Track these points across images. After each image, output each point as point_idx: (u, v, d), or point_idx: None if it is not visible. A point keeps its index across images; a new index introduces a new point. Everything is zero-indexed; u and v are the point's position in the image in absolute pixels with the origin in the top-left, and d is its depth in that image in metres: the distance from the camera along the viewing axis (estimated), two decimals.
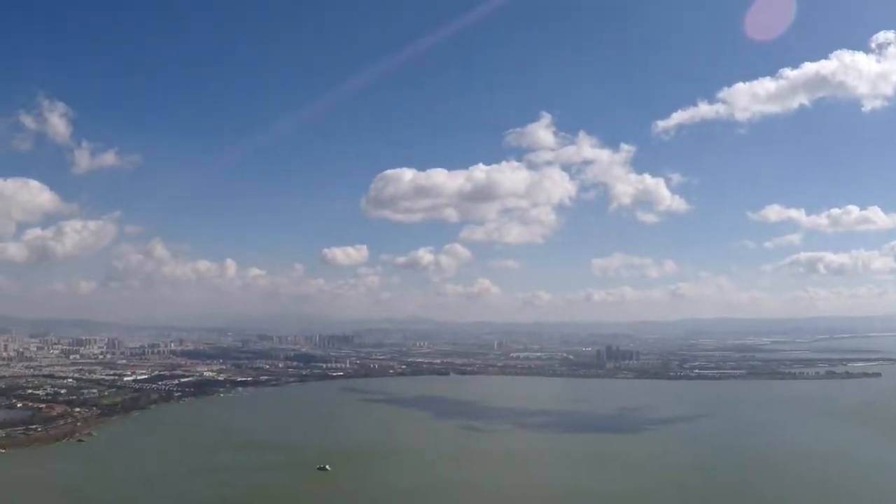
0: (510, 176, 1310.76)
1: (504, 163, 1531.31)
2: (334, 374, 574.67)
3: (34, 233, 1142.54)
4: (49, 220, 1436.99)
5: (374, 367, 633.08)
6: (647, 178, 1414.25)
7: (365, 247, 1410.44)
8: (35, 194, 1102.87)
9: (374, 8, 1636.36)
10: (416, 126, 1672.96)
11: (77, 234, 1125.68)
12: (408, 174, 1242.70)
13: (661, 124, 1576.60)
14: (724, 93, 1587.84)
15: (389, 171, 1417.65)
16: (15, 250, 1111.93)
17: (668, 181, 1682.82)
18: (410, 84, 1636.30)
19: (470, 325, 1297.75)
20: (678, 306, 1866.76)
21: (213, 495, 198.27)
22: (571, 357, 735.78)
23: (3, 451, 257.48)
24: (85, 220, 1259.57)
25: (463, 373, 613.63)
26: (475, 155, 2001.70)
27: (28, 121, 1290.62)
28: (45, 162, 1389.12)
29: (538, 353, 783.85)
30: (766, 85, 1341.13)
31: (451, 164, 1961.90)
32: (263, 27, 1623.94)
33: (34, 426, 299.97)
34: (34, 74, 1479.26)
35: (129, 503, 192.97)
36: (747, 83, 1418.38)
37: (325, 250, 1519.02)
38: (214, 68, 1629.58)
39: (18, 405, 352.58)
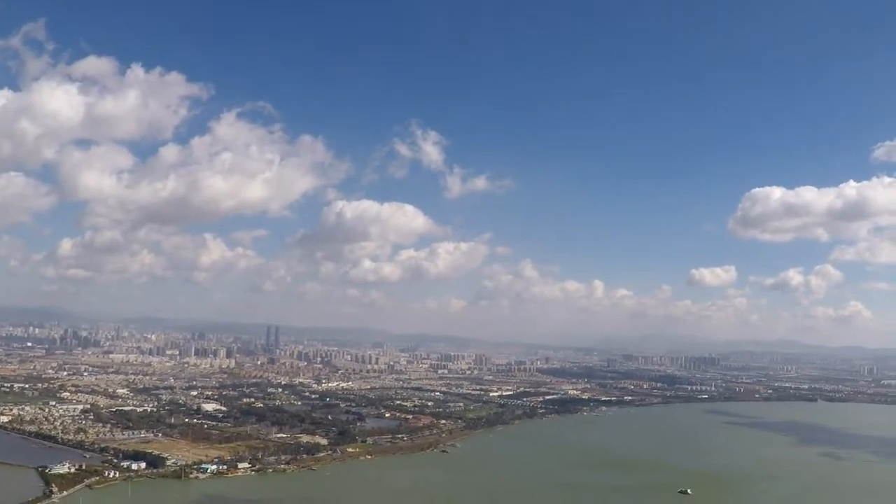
0: (882, 193, 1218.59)
1: (875, 179, 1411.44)
2: (699, 396, 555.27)
3: (408, 253, 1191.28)
4: (423, 241, 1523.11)
5: (740, 390, 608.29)
6: None
7: (733, 268, 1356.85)
8: (410, 218, 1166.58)
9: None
10: (784, 141, 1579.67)
11: (449, 255, 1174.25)
12: (776, 192, 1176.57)
13: None
14: None
15: (757, 190, 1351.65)
16: (390, 270, 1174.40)
17: None
18: (774, 96, 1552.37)
19: (840, 349, 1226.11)
20: None
21: None
22: None
23: (370, 457, 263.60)
24: (457, 242, 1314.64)
25: (831, 399, 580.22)
26: (842, 170, 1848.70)
27: (403, 149, 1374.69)
28: (420, 187, 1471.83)
29: None
30: None
31: (819, 181, 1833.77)
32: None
33: (401, 435, 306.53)
34: (408, 106, 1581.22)
35: None
36: None
37: (693, 271, 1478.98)
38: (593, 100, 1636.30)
39: (387, 415, 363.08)
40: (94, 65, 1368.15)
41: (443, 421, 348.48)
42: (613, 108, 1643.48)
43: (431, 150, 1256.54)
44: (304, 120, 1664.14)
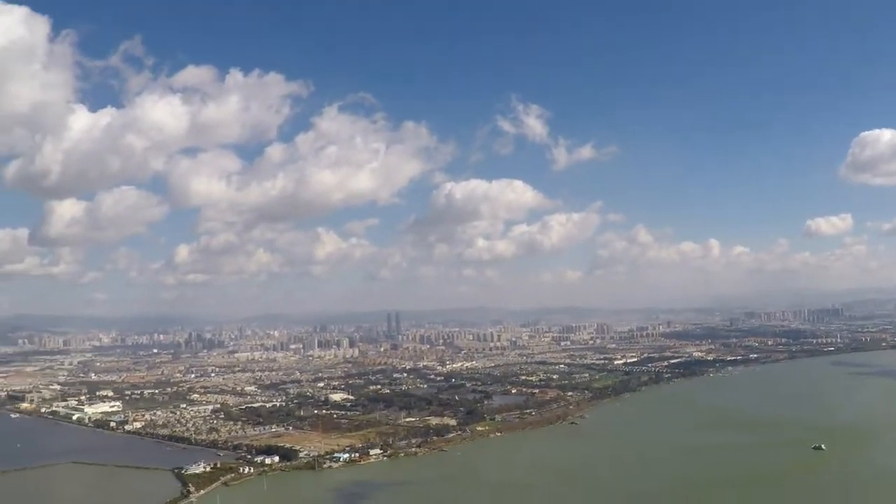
0: None
1: None
2: (824, 349, 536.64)
3: (521, 228, 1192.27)
4: (534, 215, 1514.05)
5: (866, 340, 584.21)
6: None
7: (849, 215, 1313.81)
8: (520, 193, 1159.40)
9: None
10: (891, 81, 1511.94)
11: (561, 226, 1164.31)
12: (886, 134, 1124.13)
13: None
14: None
15: (866, 133, 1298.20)
16: (504, 246, 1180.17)
17: None
18: (876, 33, 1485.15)
19: None
20: None
21: (710, 475, 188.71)
22: None
23: (500, 434, 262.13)
24: (568, 213, 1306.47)
25: None
26: None
27: (506, 125, 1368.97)
28: (526, 162, 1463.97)
29: None
30: None
31: None
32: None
33: (528, 410, 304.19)
34: (507, 81, 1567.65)
35: (629, 482, 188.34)
36: None
37: (809, 222, 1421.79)
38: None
39: (513, 391, 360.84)
40: (194, 74, 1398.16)
41: (569, 393, 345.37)
42: (712, 61, 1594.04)
43: (534, 124, 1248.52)
44: (405, 107, 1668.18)
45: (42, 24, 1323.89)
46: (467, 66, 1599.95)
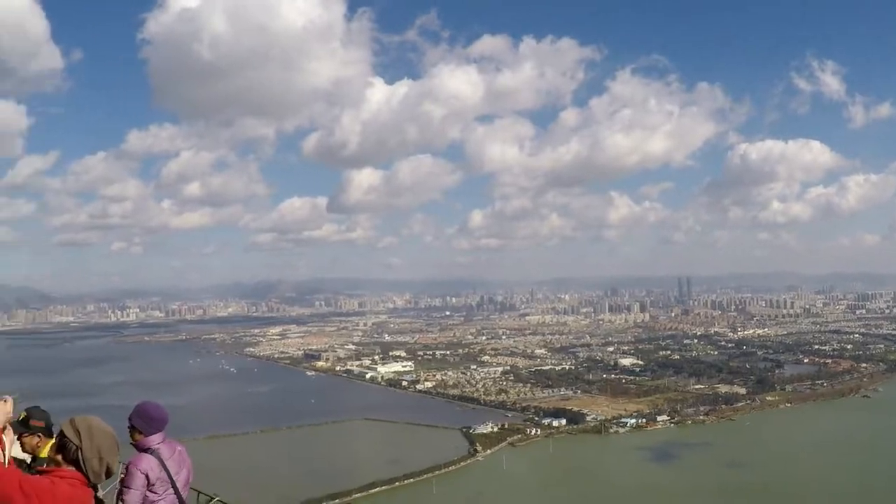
0: None
1: None
2: None
3: (817, 191, 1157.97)
4: (831, 176, 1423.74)
5: None
6: None
7: None
8: (816, 154, 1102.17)
9: None
10: None
11: (859, 188, 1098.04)
12: None
13: None
14: None
15: None
16: (799, 209, 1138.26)
17: None
18: None
19: None
20: None
21: None
22: None
23: (789, 405, 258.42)
24: (867, 174, 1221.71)
25: None
26: None
27: (801, 83, 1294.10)
28: (822, 120, 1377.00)
29: None
30: None
31: None
32: None
33: (820, 381, 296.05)
34: (801, 37, 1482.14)
35: None
36: None
37: None
38: None
39: (805, 361, 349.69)
40: (489, 43, 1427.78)
41: (863, 364, 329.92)
42: None
43: (831, 81, 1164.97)
44: (698, 68, 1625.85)
45: (338, 4, 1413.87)
46: (761, 23, 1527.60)
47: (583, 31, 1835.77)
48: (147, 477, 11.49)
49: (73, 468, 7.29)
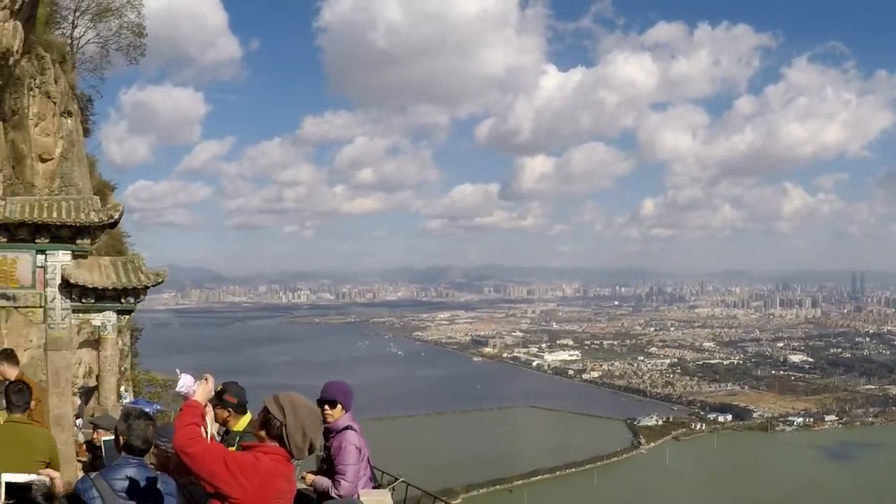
0: None
1: None
2: None
3: None
4: None
5: None
6: None
7: None
8: None
9: None
10: None
11: None
12: None
13: None
14: None
15: None
16: None
17: None
18: None
19: None
20: None
21: None
22: None
23: None
24: None
25: None
26: None
27: None
28: None
29: None
30: None
31: None
32: None
33: None
34: None
35: None
36: None
37: None
38: None
39: None
40: (664, 31, 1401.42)
41: None
42: None
43: None
44: (876, 55, 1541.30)
45: None
46: None
47: (759, 17, 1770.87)
48: (360, 451, 11.86)
49: (276, 444, 7.26)
